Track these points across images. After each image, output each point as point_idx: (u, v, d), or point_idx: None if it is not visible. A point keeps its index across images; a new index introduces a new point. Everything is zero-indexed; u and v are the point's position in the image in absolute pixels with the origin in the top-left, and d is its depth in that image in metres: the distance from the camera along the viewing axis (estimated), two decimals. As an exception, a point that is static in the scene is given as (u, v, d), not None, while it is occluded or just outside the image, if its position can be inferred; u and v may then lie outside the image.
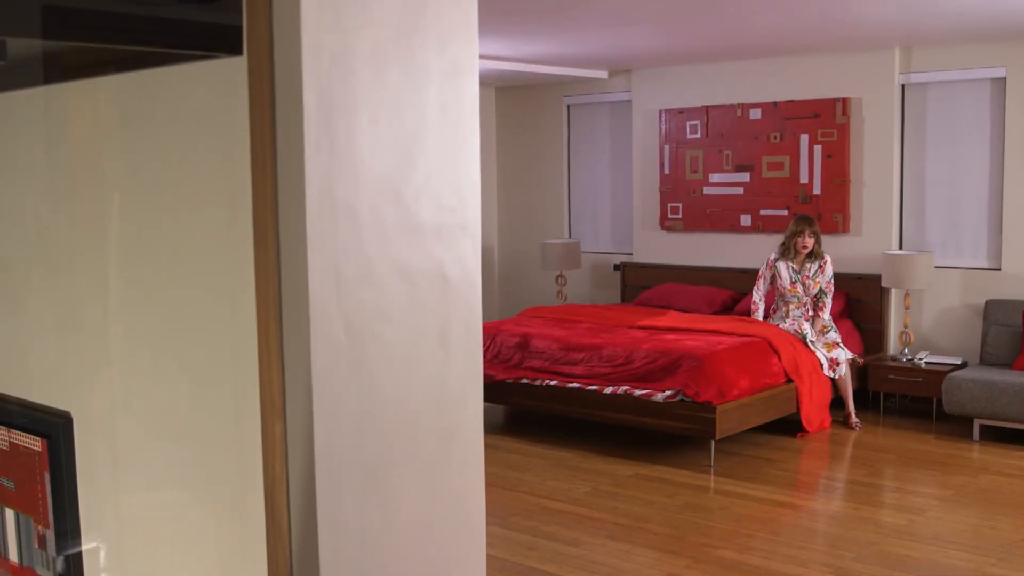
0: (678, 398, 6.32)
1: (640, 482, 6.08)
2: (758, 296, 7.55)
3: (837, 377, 7.23)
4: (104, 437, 2.07)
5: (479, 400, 2.04)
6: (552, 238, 9.58)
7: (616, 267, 9.26)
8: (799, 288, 7.37)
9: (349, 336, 1.75)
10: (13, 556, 2.25)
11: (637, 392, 6.48)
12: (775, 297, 7.56)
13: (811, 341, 7.25)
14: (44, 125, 2.16)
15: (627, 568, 4.80)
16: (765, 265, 7.52)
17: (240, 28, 1.66)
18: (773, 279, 7.48)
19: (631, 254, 9.22)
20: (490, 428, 7.33)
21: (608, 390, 6.63)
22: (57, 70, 2.02)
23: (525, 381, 7.08)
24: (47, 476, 2.12)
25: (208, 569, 1.93)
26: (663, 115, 8.79)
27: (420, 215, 1.86)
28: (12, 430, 2.19)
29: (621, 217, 9.39)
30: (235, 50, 1.68)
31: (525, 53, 7.68)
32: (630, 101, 9.07)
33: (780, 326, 7.36)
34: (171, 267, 1.92)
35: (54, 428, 2.11)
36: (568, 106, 9.56)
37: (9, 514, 2.24)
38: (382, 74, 1.75)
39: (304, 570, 1.75)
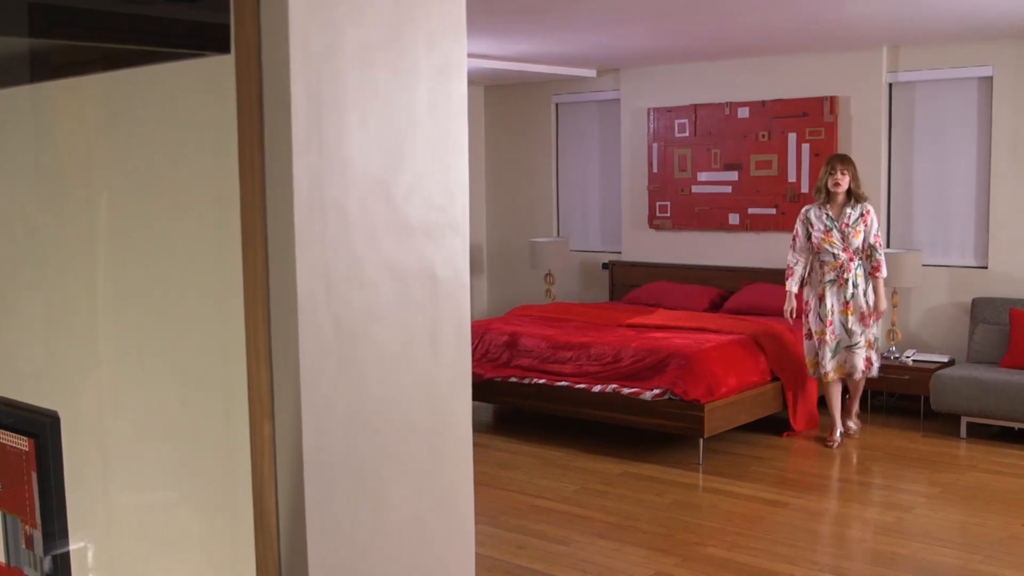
0: (666, 396, 6.33)
1: (629, 480, 6.09)
2: (793, 258, 6.64)
3: (857, 378, 6.68)
4: (92, 437, 2.07)
5: (468, 399, 2.04)
6: (541, 237, 9.58)
7: (605, 265, 9.27)
8: (835, 237, 6.42)
9: (338, 336, 1.75)
10: (0, 556, 2.24)
11: (625, 391, 6.48)
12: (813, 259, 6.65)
13: (851, 333, 6.55)
14: (32, 124, 2.15)
15: (617, 566, 4.81)
16: (799, 220, 6.64)
17: (228, 26, 1.66)
18: (809, 235, 6.56)
19: (620, 252, 9.22)
20: (479, 427, 7.33)
21: (596, 388, 6.63)
22: (45, 68, 2.01)
23: (514, 380, 7.08)
24: (34, 476, 2.11)
25: (197, 568, 1.92)
26: (651, 114, 8.79)
27: (409, 214, 1.86)
28: (-1, 430, 2.19)
29: (610, 216, 9.40)
30: (223, 48, 1.67)
31: (514, 52, 7.68)
32: (618, 100, 9.08)
33: (811, 310, 6.63)
34: (159, 267, 1.91)
35: (42, 428, 2.10)
36: (556, 105, 9.57)
37: (-4, 514, 2.24)
38: (371, 73, 1.75)
39: (293, 569, 1.75)
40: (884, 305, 6.59)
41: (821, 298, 6.56)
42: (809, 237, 6.54)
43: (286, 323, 1.69)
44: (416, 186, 1.85)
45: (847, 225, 6.44)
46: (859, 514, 5.49)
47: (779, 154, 8.14)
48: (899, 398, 7.58)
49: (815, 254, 6.54)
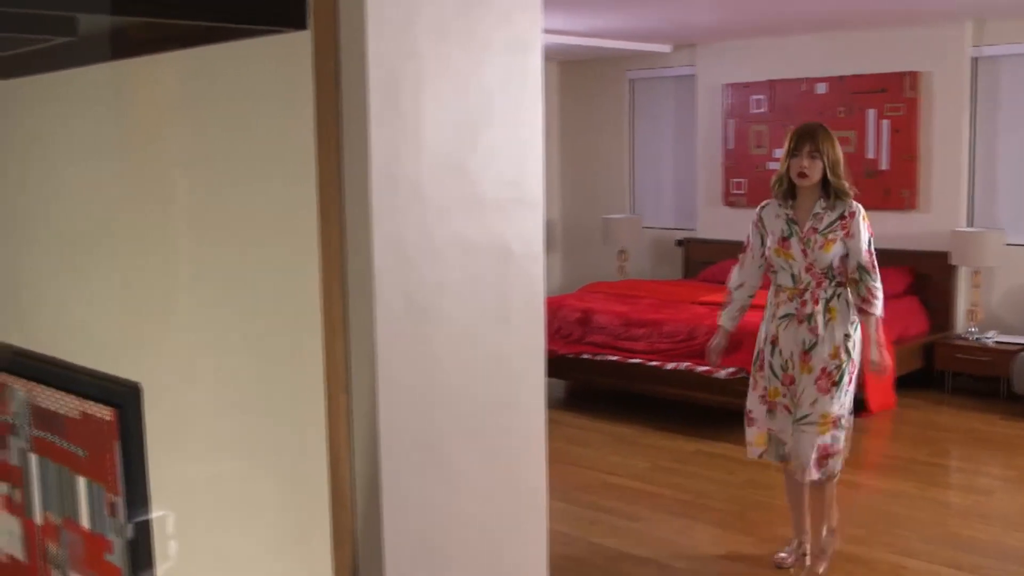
0: (741, 375, 6.28)
1: (701, 459, 6.06)
2: (736, 277, 4.32)
3: (813, 480, 4.16)
4: (172, 407, 2.11)
5: (542, 375, 2.05)
6: (614, 213, 9.54)
7: (678, 242, 9.20)
8: (793, 249, 4.02)
9: (412, 310, 1.76)
10: (85, 522, 2.30)
11: (699, 368, 6.44)
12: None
13: (800, 401, 4.09)
14: (111, 101, 2.18)
15: (688, 544, 4.79)
16: (752, 223, 4.26)
17: (305, 3, 1.67)
18: (765, 245, 4.20)
19: (694, 229, 9.15)
20: (551, 403, 7.33)
21: (670, 366, 6.60)
22: (125, 46, 2.04)
23: (586, 356, 7.08)
24: (117, 445, 2.16)
25: (273, 537, 1.95)
26: (727, 90, 8.69)
27: (483, 190, 1.86)
28: (83, 399, 2.24)
29: (684, 192, 9.32)
30: (300, 25, 1.69)
31: (588, 27, 7.63)
32: (694, 75, 8.99)
33: (763, 359, 4.20)
34: (236, 241, 1.94)
35: (124, 398, 2.15)
36: (631, 80, 9.50)
37: (81, 481, 2.29)
38: (446, 48, 1.75)
39: (368, 541, 1.77)
40: (881, 358, 4.11)
41: (774, 342, 4.13)
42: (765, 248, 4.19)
43: (362, 297, 1.70)
44: (490, 161, 1.85)
45: (815, 231, 3.99)
46: (936, 497, 5.40)
47: (857, 130, 8.00)
48: (978, 380, 7.43)
49: (772, 273, 4.19)
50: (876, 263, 4.06)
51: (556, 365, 7.11)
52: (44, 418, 2.39)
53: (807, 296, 4.05)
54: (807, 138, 4.00)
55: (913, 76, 7.66)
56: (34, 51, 2.12)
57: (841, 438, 4.11)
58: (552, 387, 7.70)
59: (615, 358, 6.92)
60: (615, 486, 5.61)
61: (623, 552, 4.70)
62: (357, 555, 1.77)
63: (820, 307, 4.03)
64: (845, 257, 4.05)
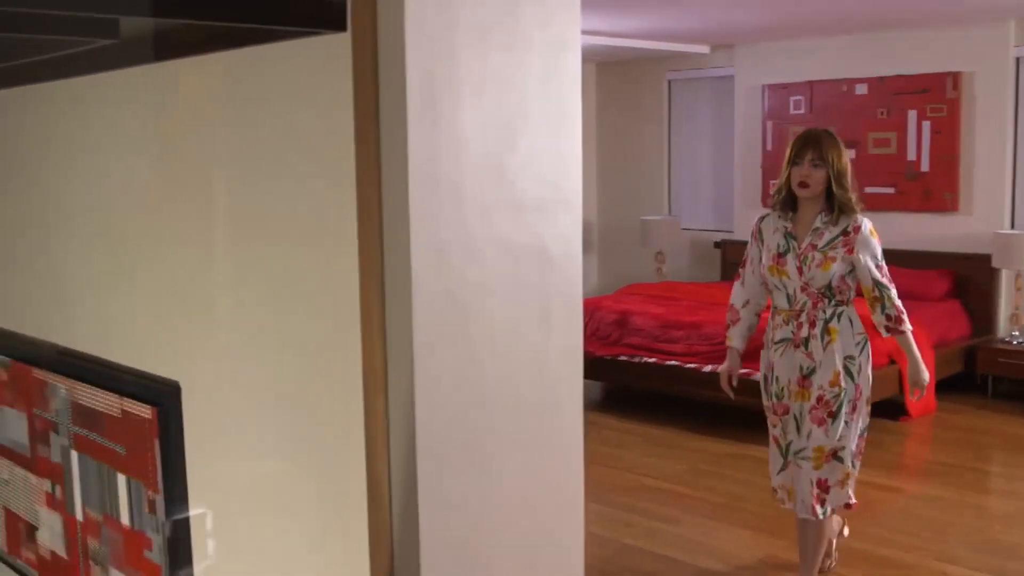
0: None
1: (738, 461, 6.02)
2: (739, 295, 3.97)
3: (817, 518, 3.86)
4: (210, 406, 2.12)
5: (579, 376, 2.04)
6: (651, 215, 9.51)
7: (717, 244, 9.16)
8: (789, 266, 3.67)
9: (451, 310, 1.76)
10: (124, 519, 2.32)
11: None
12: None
13: (799, 431, 3.77)
14: (153, 102, 2.20)
15: (725, 548, 4.77)
16: (752, 235, 3.92)
17: (344, 5, 1.68)
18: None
19: (732, 231, 9.10)
20: (588, 404, 7.33)
21: (707, 368, 6.57)
22: (166, 48, 2.06)
23: (623, 358, 7.06)
24: (157, 443, 2.18)
25: (310, 537, 1.96)
26: (766, 91, 8.64)
27: (522, 191, 1.86)
28: (124, 397, 2.26)
29: (722, 194, 9.27)
30: (339, 27, 1.69)
31: (627, 28, 7.62)
32: (732, 76, 8.94)
33: (767, 368, 3.92)
34: (276, 241, 1.95)
35: (164, 396, 2.17)
36: (669, 81, 9.46)
37: (121, 479, 2.31)
38: (485, 49, 1.75)
39: (405, 541, 1.77)
40: (920, 377, 3.81)
41: (772, 369, 3.84)
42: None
43: (400, 297, 1.71)
44: (529, 162, 1.85)
45: (813, 248, 3.64)
46: (977, 502, 5.34)
47: (898, 131, 7.93)
48: (1021, 384, 7.34)
49: (768, 292, 3.88)
50: (890, 277, 3.71)
51: (593, 367, 7.10)
52: (85, 416, 2.41)
53: (803, 318, 3.68)
54: (810, 145, 3.66)
55: (955, 76, 7.58)
56: (76, 53, 2.15)
57: (839, 470, 3.73)
58: (589, 389, 7.68)
59: (652, 360, 6.90)
60: (650, 488, 5.59)
61: (657, 554, 4.68)
62: (394, 555, 1.77)
63: (818, 329, 3.66)
64: (846, 276, 3.68)
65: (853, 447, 3.77)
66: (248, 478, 2.08)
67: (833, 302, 3.66)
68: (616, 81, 9.79)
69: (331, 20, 1.69)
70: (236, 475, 2.11)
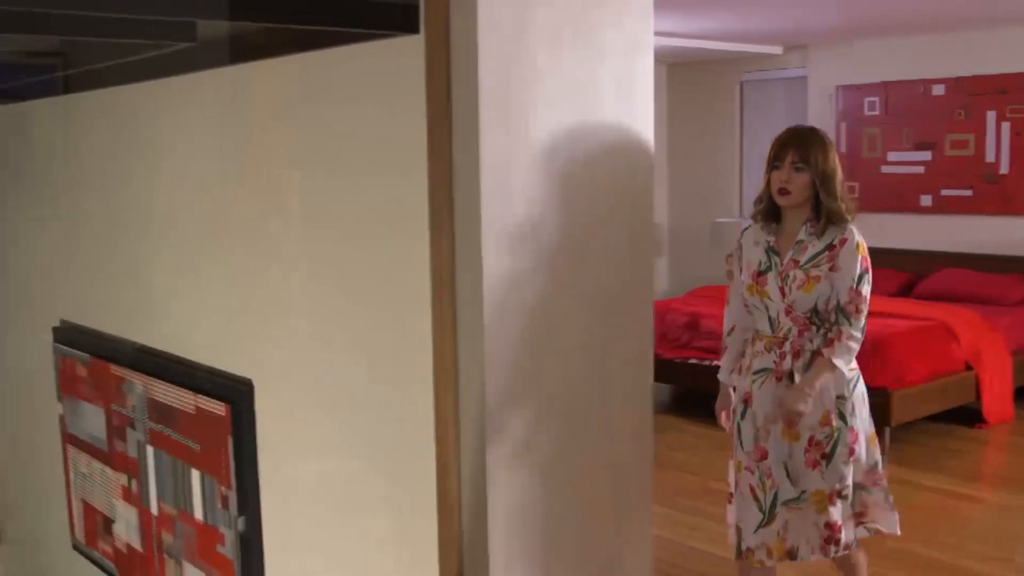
0: (853, 382, 6.15)
1: (809, 467, 5.94)
2: (729, 318, 3.35)
3: (834, 557, 3.27)
4: (282, 404, 2.14)
5: (649, 379, 2.04)
6: (723, 217, 9.44)
7: (788, 247, 9.07)
8: (770, 286, 3.06)
9: (520, 311, 1.76)
10: (198, 514, 2.36)
11: (808, 375, 6.32)
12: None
13: (796, 477, 3.10)
14: (230, 103, 2.23)
15: (794, 554, 4.71)
16: (734, 251, 3.32)
17: (417, 7, 1.69)
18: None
19: (804, 234, 9.00)
20: (656, 407, 7.29)
21: (777, 372, 6.50)
22: (243, 50, 2.09)
23: (693, 361, 7.01)
24: (230, 439, 2.21)
25: (378, 535, 1.98)
26: (840, 92, 8.53)
27: (593, 192, 1.85)
28: (198, 394, 2.30)
29: (794, 196, 9.18)
30: (412, 29, 1.70)
31: (698, 29, 7.57)
32: (805, 77, 8.84)
33: (739, 399, 3.26)
34: (347, 242, 1.96)
35: (237, 394, 2.20)
36: (741, 83, 9.39)
37: (194, 474, 2.35)
38: (558, 51, 1.75)
39: (473, 540, 1.78)
40: (801, 403, 3.00)
41: (747, 402, 3.18)
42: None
43: (471, 298, 1.71)
44: (600, 164, 1.84)
45: (795, 264, 3.02)
46: (1056, 512, 5.22)
47: (976, 133, 7.78)
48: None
49: (750, 315, 3.22)
50: (864, 307, 3.04)
51: (662, 369, 7.05)
52: (161, 412, 2.46)
53: (787, 347, 3.04)
54: (790, 146, 3.05)
55: (1036, 77, 7.42)
56: (155, 57, 2.19)
57: (841, 509, 3.12)
58: (658, 391, 7.65)
59: (722, 363, 6.84)
60: (718, 492, 5.54)
61: (723, 558, 4.64)
62: (463, 554, 1.78)
63: (803, 361, 3.03)
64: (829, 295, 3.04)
65: (861, 480, 3.19)
66: (318, 475, 2.10)
67: (822, 330, 3.03)
68: (687, 83, 9.73)
69: (404, 23, 1.71)
70: (307, 472, 2.13)
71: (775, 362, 3.07)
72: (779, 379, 3.07)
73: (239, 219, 2.22)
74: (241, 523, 2.21)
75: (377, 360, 1.92)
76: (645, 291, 1.99)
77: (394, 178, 1.83)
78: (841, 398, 3.07)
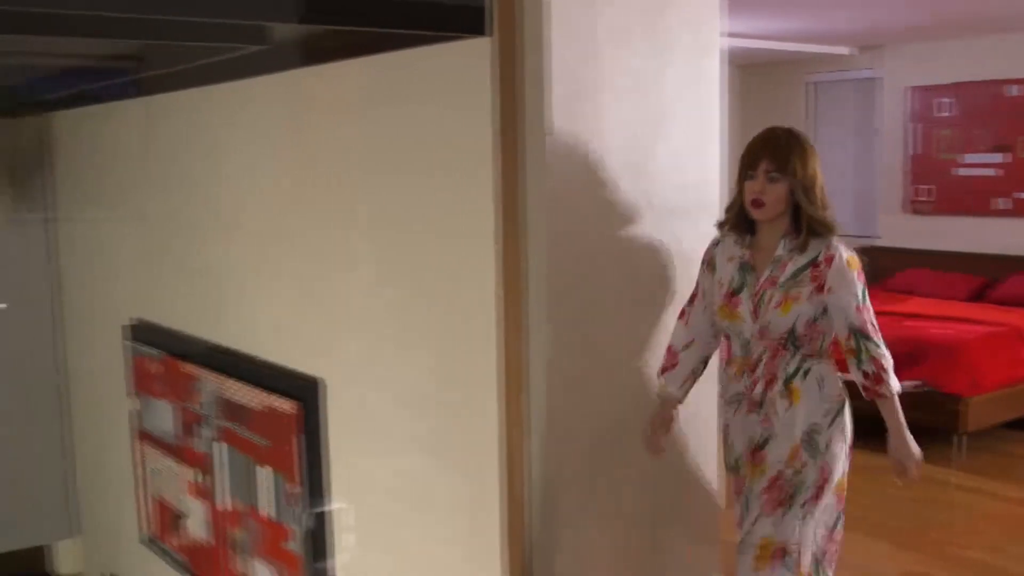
0: (924, 388, 6.05)
1: (875, 474, 5.87)
2: (681, 335, 2.37)
3: None
4: (352, 403, 2.16)
5: (714, 380, 2.03)
6: (791, 219, 9.35)
7: (860, 250, 8.95)
8: (742, 307, 2.47)
9: (588, 312, 1.76)
10: (266, 511, 2.39)
11: (877, 380, 6.22)
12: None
13: (747, 512, 2.46)
14: (299, 106, 2.26)
15: (860, 561, 4.65)
16: (702, 265, 2.38)
17: (484, 9, 1.70)
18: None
19: (871, 237, 8.88)
20: (722, 411, 7.23)
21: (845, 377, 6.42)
22: (311, 53, 2.12)
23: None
24: (299, 437, 2.24)
25: (445, 533, 1.98)
26: (912, 93, 8.41)
27: (662, 193, 1.85)
28: (269, 393, 2.33)
29: (863, 199, 9.06)
30: (480, 31, 1.71)
31: (768, 30, 7.51)
32: (874, 78, 8.73)
33: (725, 428, 2.54)
34: (415, 241, 1.97)
35: (307, 392, 2.23)
36: (810, 84, 9.29)
37: (263, 471, 2.39)
38: (627, 53, 1.75)
39: (542, 540, 1.78)
40: (906, 454, 2.68)
41: (727, 431, 2.62)
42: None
43: (538, 298, 1.72)
44: (668, 165, 1.84)
45: (773, 283, 2.53)
46: None
47: (1053, 135, 7.63)
48: None
49: (724, 337, 2.68)
50: (875, 323, 2.70)
51: (728, 373, 6.99)
52: (231, 409, 2.50)
53: (759, 372, 2.55)
54: (765, 152, 2.48)
55: (1115, 78, 7.25)
56: (225, 60, 2.22)
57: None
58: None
59: (789, 367, 6.76)
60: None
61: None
62: (531, 553, 1.78)
63: (777, 388, 2.56)
64: (817, 320, 2.57)
65: (814, 547, 2.67)
66: (386, 474, 2.11)
67: (799, 354, 2.59)
68: (756, 84, 9.65)
69: (473, 25, 1.72)
70: (374, 470, 2.14)
71: (747, 388, 2.55)
72: (751, 408, 2.53)
73: (309, 220, 2.25)
74: (309, 520, 2.24)
75: (444, 359, 1.93)
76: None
77: (460, 179, 1.84)
78: (815, 429, 2.58)
